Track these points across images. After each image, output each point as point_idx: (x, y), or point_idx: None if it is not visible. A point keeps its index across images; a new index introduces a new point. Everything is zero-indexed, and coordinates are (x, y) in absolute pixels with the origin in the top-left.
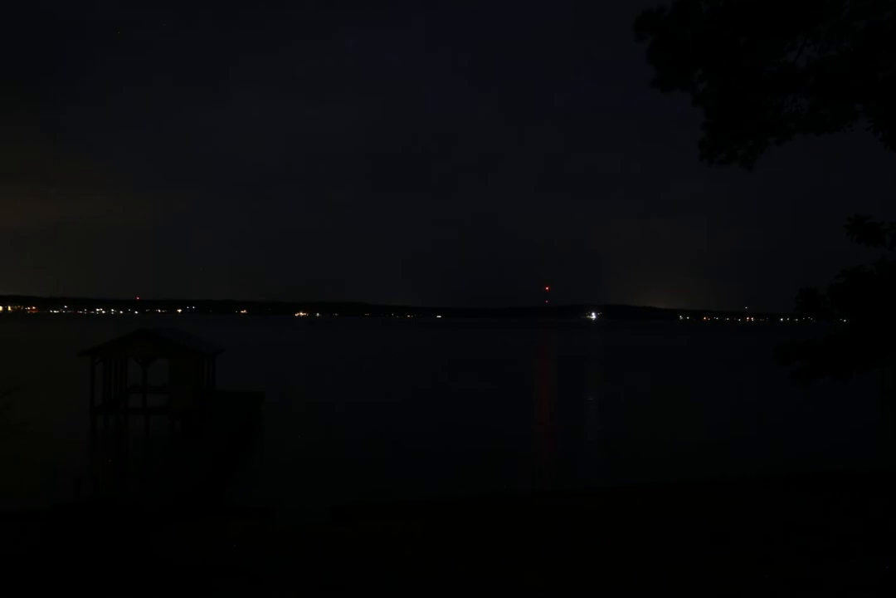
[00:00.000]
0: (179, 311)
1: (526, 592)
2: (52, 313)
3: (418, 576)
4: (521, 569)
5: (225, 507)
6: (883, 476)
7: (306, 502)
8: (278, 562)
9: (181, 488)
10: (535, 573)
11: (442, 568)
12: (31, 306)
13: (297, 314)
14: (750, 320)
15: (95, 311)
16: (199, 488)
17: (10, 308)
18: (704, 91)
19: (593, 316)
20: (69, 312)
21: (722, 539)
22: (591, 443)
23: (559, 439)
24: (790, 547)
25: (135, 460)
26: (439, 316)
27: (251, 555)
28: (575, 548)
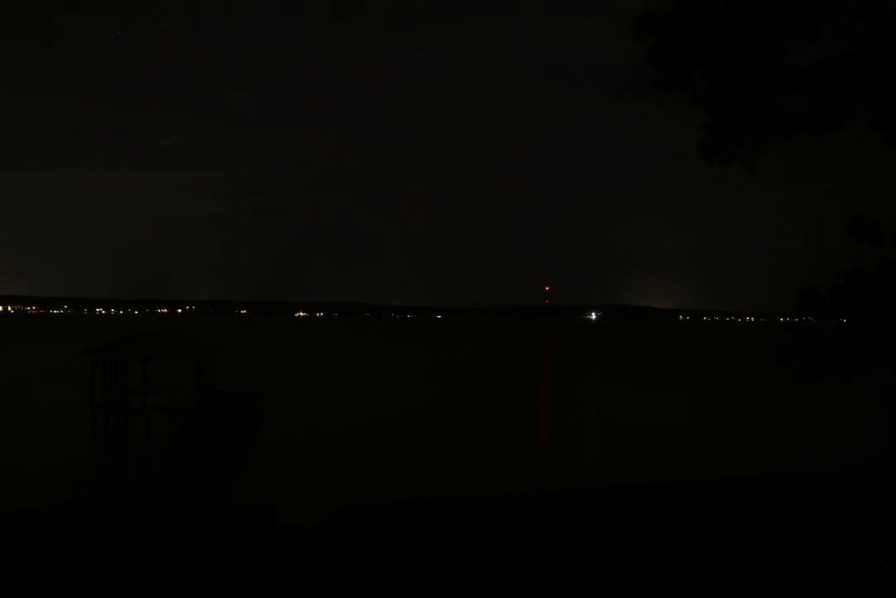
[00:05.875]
0: (179, 311)
1: (530, 592)
2: (52, 313)
3: (418, 577)
4: (523, 569)
5: (225, 507)
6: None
7: (306, 502)
8: (278, 562)
9: (181, 488)
10: (541, 574)
11: (442, 569)
12: (31, 306)
13: (296, 314)
14: (750, 319)
15: (95, 311)
16: (199, 488)
17: (10, 308)
18: (704, 91)
19: (593, 316)
20: (69, 312)
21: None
22: (592, 443)
23: (560, 440)
24: None
25: (135, 460)
26: (439, 316)
27: (251, 555)
28: (577, 549)
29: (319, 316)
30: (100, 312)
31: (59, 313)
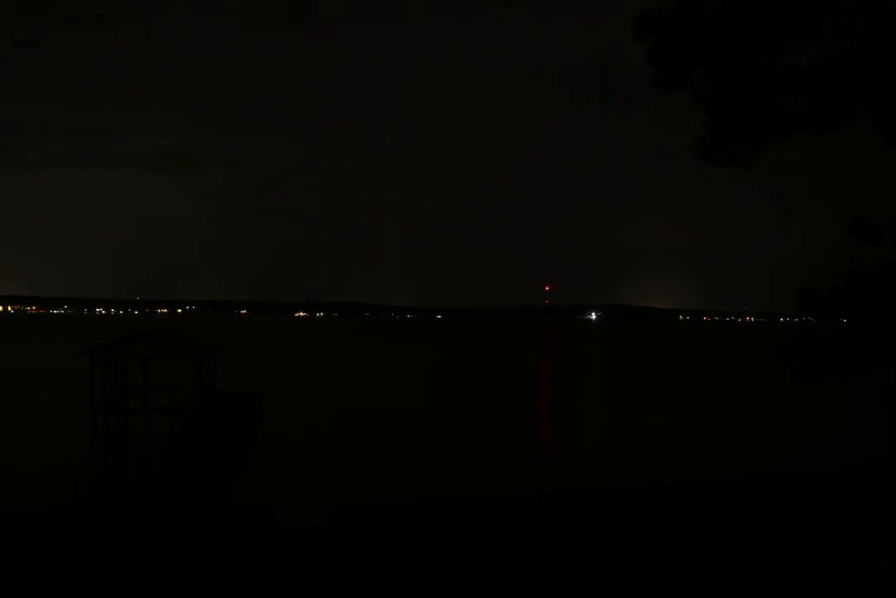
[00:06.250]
0: (179, 311)
1: (530, 592)
2: (53, 313)
3: (419, 577)
4: (523, 569)
5: (225, 507)
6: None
7: (306, 502)
8: (278, 562)
9: (181, 488)
10: (541, 574)
11: (442, 569)
12: (31, 306)
13: (296, 314)
14: (750, 319)
15: (95, 311)
16: (199, 488)
17: (10, 308)
18: (704, 91)
19: (593, 316)
20: (69, 312)
21: None
22: (591, 443)
23: (560, 440)
24: None
25: (135, 460)
26: (439, 316)
27: (251, 555)
28: (577, 549)
29: (319, 316)
30: (100, 312)
31: (59, 313)
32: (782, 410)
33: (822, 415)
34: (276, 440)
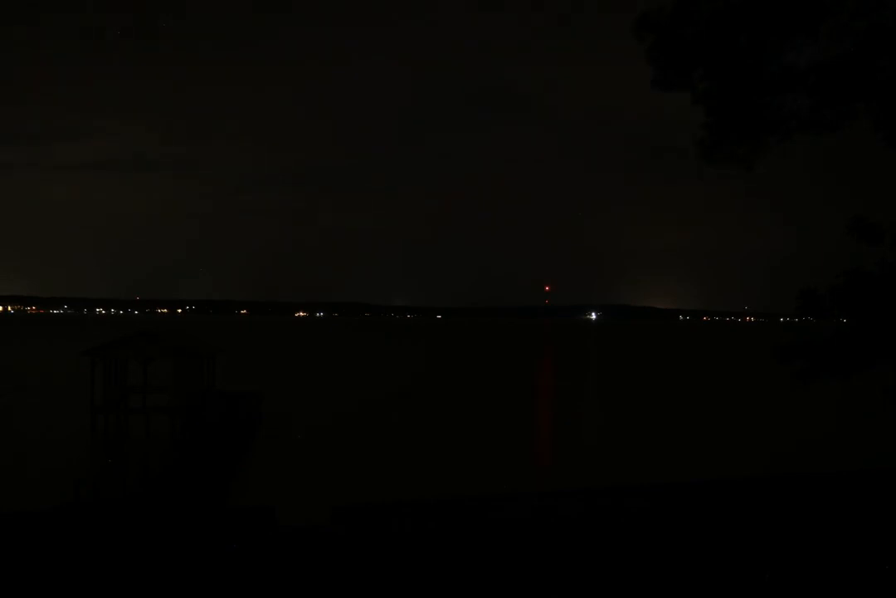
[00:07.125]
0: (179, 311)
1: (530, 592)
2: (53, 313)
3: (418, 577)
4: (523, 569)
5: (225, 507)
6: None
7: (306, 502)
8: (278, 562)
9: (181, 488)
10: (541, 574)
11: (441, 569)
12: (31, 306)
13: (296, 314)
14: (750, 319)
15: (95, 311)
16: (199, 488)
17: (10, 308)
18: (704, 91)
19: (593, 316)
20: (69, 312)
21: None
22: (591, 443)
23: (560, 440)
24: None
25: (135, 460)
26: (439, 316)
27: (251, 555)
28: (577, 549)
29: (319, 316)
30: (100, 312)
31: (59, 313)
32: (782, 410)
33: (822, 415)
34: (276, 440)
